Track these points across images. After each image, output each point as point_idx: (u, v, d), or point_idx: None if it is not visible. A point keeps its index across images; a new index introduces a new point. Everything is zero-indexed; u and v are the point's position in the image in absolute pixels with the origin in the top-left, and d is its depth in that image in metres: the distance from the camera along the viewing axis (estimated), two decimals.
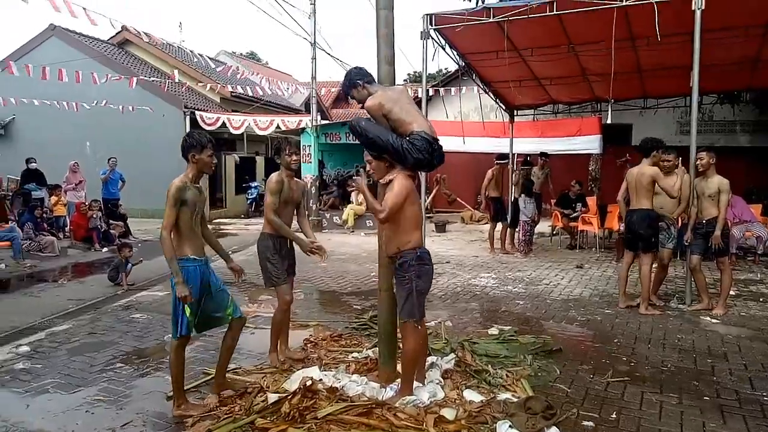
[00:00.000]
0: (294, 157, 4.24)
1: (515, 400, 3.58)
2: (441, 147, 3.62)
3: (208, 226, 3.83)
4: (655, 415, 3.51)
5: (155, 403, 3.68)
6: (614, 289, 6.48)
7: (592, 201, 10.86)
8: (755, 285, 7.29)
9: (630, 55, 8.89)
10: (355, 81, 3.67)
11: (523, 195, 9.69)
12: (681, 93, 11.11)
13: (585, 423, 3.38)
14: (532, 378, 4.03)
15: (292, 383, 3.75)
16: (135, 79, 13.17)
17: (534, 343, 4.78)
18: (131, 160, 13.54)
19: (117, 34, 17.80)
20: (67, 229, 11.37)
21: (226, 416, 3.40)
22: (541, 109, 13.30)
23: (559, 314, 5.92)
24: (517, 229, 9.96)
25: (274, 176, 4.24)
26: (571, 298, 6.65)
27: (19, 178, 12.44)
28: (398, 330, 3.76)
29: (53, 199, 11.62)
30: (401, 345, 3.66)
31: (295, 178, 4.38)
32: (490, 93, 11.39)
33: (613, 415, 3.48)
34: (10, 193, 12.14)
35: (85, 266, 9.06)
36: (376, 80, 3.76)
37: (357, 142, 3.75)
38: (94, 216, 10.60)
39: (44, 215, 10.97)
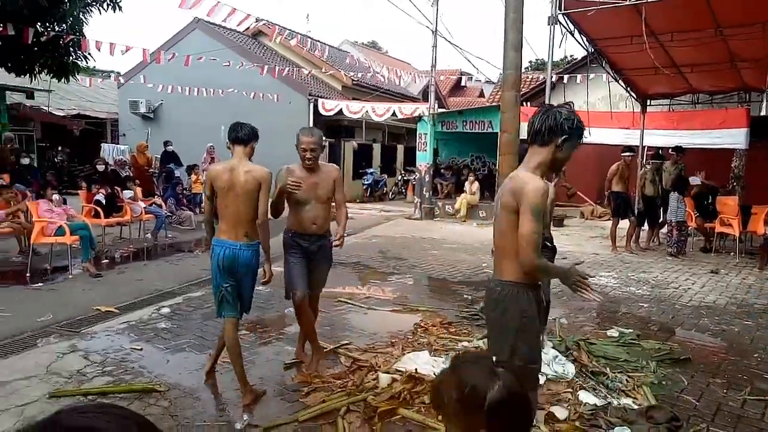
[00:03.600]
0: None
1: (636, 407, 3.38)
2: None
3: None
4: None
5: (275, 370, 3.94)
6: (756, 299, 5.83)
7: (733, 201, 9.83)
8: None
9: None
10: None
11: (675, 193, 9.04)
12: None
13: None
14: (655, 386, 3.78)
15: (403, 365, 3.83)
16: (266, 67, 13.98)
17: (659, 349, 4.47)
18: (260, 144, 14.36)
19: (251, 26, 19.04)
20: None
21: (339, 390, 3.56)
22: (677, 99, 12.24)
23: (689, 321, 5.46)
24: (667, 230, 9.40)
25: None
26: (703, 305, 6.10)
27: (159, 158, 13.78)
28: None
29: (193, 177, 12.73)
30: None
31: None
32: (620, 81, 10.68)
33: None
34: (156, 171, 13.52)
35: None
36: None
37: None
38: None
39: (184, 192, 12.10)
